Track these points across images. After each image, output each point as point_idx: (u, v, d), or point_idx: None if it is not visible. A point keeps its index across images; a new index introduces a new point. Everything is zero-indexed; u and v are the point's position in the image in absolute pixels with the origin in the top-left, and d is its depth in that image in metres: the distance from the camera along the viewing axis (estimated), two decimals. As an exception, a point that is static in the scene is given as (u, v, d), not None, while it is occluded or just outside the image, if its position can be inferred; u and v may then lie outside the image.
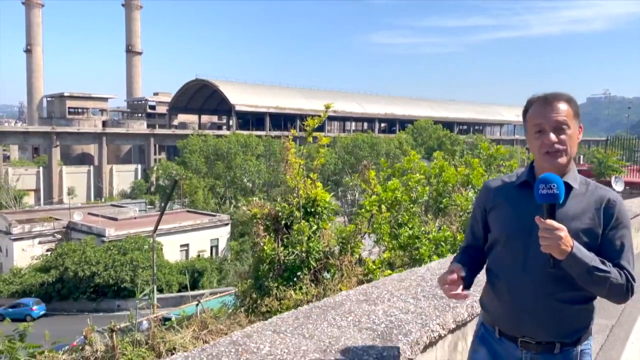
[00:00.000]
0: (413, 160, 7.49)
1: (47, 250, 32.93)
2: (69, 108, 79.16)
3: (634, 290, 1.60)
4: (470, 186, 8.08)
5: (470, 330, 2.39)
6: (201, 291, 27.08)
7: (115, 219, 35.77)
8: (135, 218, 37.56)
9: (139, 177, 66.04)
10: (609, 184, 22.31)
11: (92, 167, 66.48)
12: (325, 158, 5.83)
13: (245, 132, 60.19)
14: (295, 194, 5.02)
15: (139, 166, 69.08)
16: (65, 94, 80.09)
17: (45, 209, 44.66)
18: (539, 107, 1.67)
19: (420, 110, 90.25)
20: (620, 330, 4.38)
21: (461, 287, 1.68)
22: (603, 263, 1.55)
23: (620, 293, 1.58)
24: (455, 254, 1.94)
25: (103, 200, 57.45)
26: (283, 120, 77.76)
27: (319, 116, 5.22)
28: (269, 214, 5.39)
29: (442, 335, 2.26)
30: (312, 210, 5.33)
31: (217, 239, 37.34)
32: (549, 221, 1.49)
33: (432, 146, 54.76)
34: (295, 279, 5.05)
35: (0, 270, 33.59)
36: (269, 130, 73.01)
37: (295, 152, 5.07)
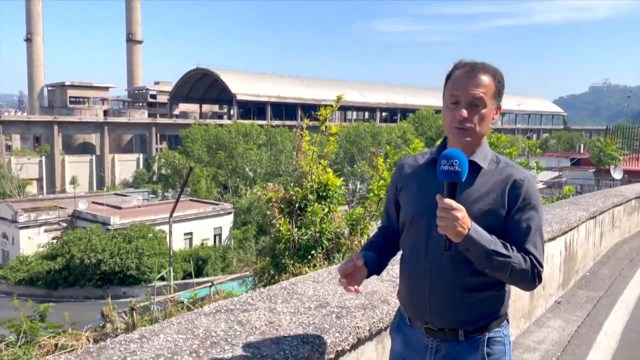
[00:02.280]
0: (417, 148, 7.80)
1: (53, 239, 33.38)
2: (70, 97, 79.10)
3: (541, 277, 1.51)
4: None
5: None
6: (205, 278, 27.59)
7: (120, 208, 36.15)
8: (139, 207, 37.95)
9: (141, 166, 66.31)
10: (608, 172, 22.62)
11: (94, 157, 66.71)
12: (334, 146, 6.17)
13: (247, 122, 60.30)
14: (309, 179, 5.36)
15: (141, 155, 69.31)
16: (67, 84, 80.00)
17: (50, 197, 45.06)
18: (461, 77, 1.54)
19: (422, 99, 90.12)
20: (607, 300, 4.77)
21: (362, 278, 1.60)
22: (505, 247, 1.46)
23: (525, 279, 1.49)
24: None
25: (105, 189, 57.82)
26: (284, 110, 77.78)
27: (331, 106, 5.53)
28: (283, 198, 5.73)
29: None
30: (324, 194, 5.68)
31: (220, 227, 37.73)
32: (447, 200, 1.39)
33: (432, 136, 54.94)
34: (309, 257, 5.42)
35: (6, 258, 34.09)
36: (270, 119, 73.09)
37: (308, 140, 5.39)
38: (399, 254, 1.75)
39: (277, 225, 5.57)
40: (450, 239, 1.41)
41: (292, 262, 5.34)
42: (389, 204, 1.76)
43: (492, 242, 1.44)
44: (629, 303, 4.77)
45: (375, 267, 1.67)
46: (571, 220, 4.96)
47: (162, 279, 15.93)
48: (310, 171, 5.33)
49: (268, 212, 5.74)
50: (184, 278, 30.38)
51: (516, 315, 3.81)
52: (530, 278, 1.49)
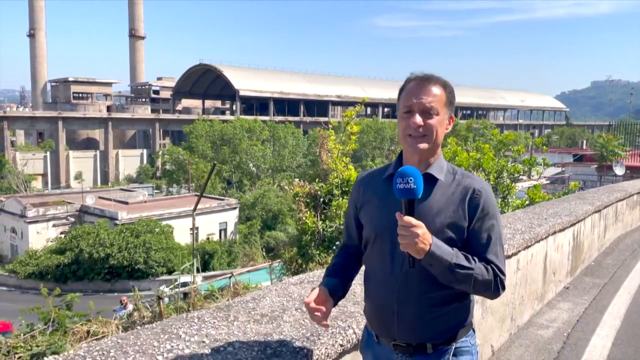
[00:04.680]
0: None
1: (61, 233, 33.79)
2: (73, 93, 79.34)
3: (504, 285, 1.53)
4: (481, 169, 8.79)
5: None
6: (212, 272, 28.00)
7: (127, 203, 36.56)
8: (145, 202, 38.36)
9: (145, 162, 66.68)
10: (610, 168, 22.95)
11: (98, 152, 67.09)
12: (355, 144, 6.55)
13: (251, 117, 60.60)
14: (335, 175, 5.76)
15: (144, 151, 69.67)
16: (70, 79, 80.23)
17: (56, 192, 45.49)
18: (413, 88, 1.56)
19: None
20: (611, 286, 5.19)
21: (329, 310, 1.59)
22: (467, 259, 1.47)
23: (489, 289, 1.51)
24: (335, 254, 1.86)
25: (110, 184, 58.22)
26: (287, 105, 78.04)
27: (354, 106, 5.91)
28: (309, 193, 6.14)
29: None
30: (346, 189, 6.08)
31: (226, 222, 38.12)
32: (407, 218, 1.39)
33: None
34: (334, 248, 5.83)
35: (15, 252, 34.55)
36: (273, 115, 73.36)
37: (334, 139, 5.78)
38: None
39: (304, 218, 5.96)
40: (412, 256, 1.41)
41: (318, 252, 5.75)
42: (350, 222, 1.74)
43: (454, 256, 1.45)
44: (631, 289, 5.18)
45: (340, 292, 1.66)
46: (579, 213, 5.36)
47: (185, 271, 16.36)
48: (336, 168, 5.72)
49: (294, 206, 6.15)
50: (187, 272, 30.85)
51: (530, 297, 4.22)
52: (494, 287, 1.50)
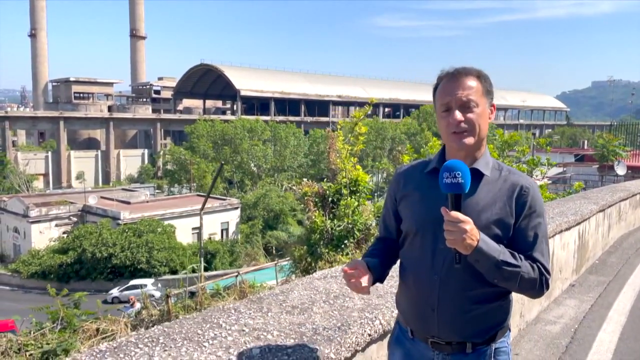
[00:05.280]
0: (435, 146, 8.31)
1: (64, 233, 33.89)
2: (74, 93, 79.44)
3: (549, 284, 1.52)
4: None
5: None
6: (214, 272, 28.10)
7: (129, 203, 36.65)
8: (147, 202, 38.46)
9: (146, 162, 66.81)
10: (611, 168, 23.05)
11: (99, 152, 67.22)
12: (362, 145, 6.65)
13: (252, 117, 60.73)
14: (343, 175, 5.87)
15: (146, 151, 69.81)
16: (71, 79, 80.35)
17: (58, 192, 45.62)
18: (447, 84, 1.53)
19: (425, 94, 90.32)
20: (615, 284, 5.31)
21: (366, 279, 1.52)
22: (513, 256, 1.46)
23: (534, 287, 1.49)
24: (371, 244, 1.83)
25: (111, 184, 58.34)
26: (288, 105, 78.16)
27: (355, 105, 6.01)
28: (317, 193, 6.25)
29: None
30: (354, 189, 6.19)
31: (228, 222, 38.23)
32: (454, 213, 1.37)
33: (436, 131, 55.37)
34: (342, 246, 5.93)
35: (18, 252, 34.66)
36: (274, 115, 73.47)
37: (343, 140, 5.89)
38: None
39: (313, 217, 6.07)
40: (459, 251, 1.39)
41: (326, 250, 5.85)
42: (388, 215, 1.70)
43: (501, 252, 1.42)
44: (636, 286, 5.29)
45: (378, 273, 1.61)
46: (584, 212, 5.47)
47: (193, 270, 16.51)
48: (344, 168, 5.83)
49: (301, 205, 6.26)
50: (193, 271, 30.92)
51: (538, 294, 4.33)
52: (539, 286, 1.49)
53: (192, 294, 10.19)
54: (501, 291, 1.53)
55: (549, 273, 1.50)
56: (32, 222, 33.28)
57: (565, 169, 27.59)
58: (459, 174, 1.37)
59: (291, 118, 70.84)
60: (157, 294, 25.69)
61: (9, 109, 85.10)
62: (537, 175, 8.71)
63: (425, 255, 1.53)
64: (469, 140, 1.50)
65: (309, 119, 76.67)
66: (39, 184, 58.32)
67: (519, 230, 1.50)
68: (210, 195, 41.49)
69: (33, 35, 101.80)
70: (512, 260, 1.43)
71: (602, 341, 3.80)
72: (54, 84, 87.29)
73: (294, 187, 6.32)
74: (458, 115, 1.49)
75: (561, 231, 4.72)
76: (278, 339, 1.72)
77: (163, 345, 1.58)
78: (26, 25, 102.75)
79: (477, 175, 1.50)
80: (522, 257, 1.47)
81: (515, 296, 3.78)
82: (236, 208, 38.79)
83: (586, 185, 19.50)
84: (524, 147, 8.38)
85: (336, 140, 6.02)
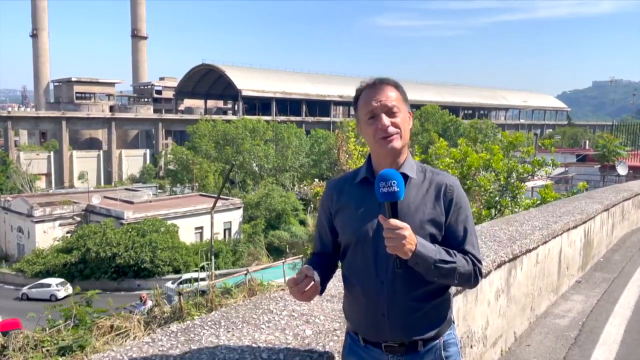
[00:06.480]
0: (442, 146, 8.49)
1: (67, 232, 34.06)
2: (76, 93, 79.61)
3: (482, 273, 1.60)
4: (490, 169, 9.09)
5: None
6: (218, 271, 28.27)
7: (132, 203, 36.82)
8: (150, 202, 38.64)
9: (148, 161, 66.99)
10: (613, 168, 23.23)
11: (101, 152, 67.41)
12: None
13: (254, 117, 60.91)
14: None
15: (148, 151, 69.99)
16: (73, 79, 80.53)
17: (61, 192, 45.79)
18: (369, 93, 1.61)
19: (426, 94, 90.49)
20: (620, 280, 5.51)
21: (314, 294, 1.58)
22: (449, 253, 1.53)
23: (469, 279, 1.57)
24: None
25: (113, 184, 58.53)
26: (289, 105, 78.35)
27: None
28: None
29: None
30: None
31: (230, 221, 38.40)
32: (392, 221, 1.42)
33: (438, 131, 55.54)
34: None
35: (22, 251, 34.85)
36: (275, 115, 73.66)
37: (354, 142, 6.07)
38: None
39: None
40: (399, 257, 1.45)
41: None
42: (323, 230, 1.73)
43: (438, 252, 1.50)
44: (640, 283, 5.49)
45: (322, 285, 1.65)
46: (589, 211, 5.66)
47: (202, 268, 16.71)
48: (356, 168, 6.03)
49: (304, 206, 6.43)
50: (202, 269, 31.06)
51: (547, 289, 4.52)
52: (474, 277, 1.57)
53: (203, 292, 10.39)
54: (441, 287, 1.62)
55: (480, 262, 1.59)
56: (36, 222, 33.46)
57: (567, 169, 27.75)
58: (394, 183, 1.43)
59: (292, 118, 71.01)
60: (61, 294, 26.37)
61: (10, 109, 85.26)
62: (542, 176, 8.90)
63: (369, 263, 1.58)
64: (397, 143, 1.57)
65: (310, 119, 76.85)
66: (41, 183, 58.49)
67: (449, 226, 1.58)
68: (213, 195, 41.72)
69: (35, 36, 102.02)
70: (448, 258, 1.51)
71: (609, 333, 3.99)
72: (55, 84, 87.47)
73: (305, 187, 6.49)
74: (385, 119, 1.56)
75: (568, 229, 4.91)
76: (325, 323, 1.90)
77: (225, 327, 1.77)
78: (28, 26, 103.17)
79: (404, 179, 1.55)
80: (455, 252, 1.55)
81: (527, 290, 3.95)
82: (238, 208, 38.96)
83: (588, 185, 19.64)
84: (529, 147, 8.55)
85: (347, 141, 6.20)
